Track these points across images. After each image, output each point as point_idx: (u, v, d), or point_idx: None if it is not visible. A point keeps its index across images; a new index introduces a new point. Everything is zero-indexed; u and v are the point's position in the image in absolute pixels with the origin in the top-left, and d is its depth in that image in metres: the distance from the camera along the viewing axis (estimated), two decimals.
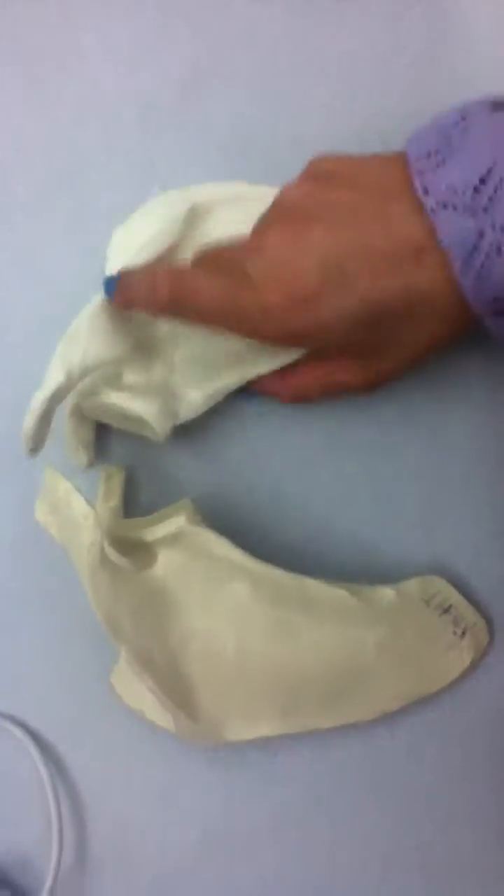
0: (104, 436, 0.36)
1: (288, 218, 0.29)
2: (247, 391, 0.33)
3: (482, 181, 0.25)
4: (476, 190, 0.25)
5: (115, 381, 0.32)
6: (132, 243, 0.31)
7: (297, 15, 0.35)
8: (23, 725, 0.38)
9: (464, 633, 0.33)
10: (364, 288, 0.27)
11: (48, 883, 0.36)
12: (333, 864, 0.36)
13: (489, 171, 0.25)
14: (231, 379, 0.32)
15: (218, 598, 0.32)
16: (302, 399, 0.33)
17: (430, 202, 0.26)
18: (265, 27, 0.35)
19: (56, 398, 0.30)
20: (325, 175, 0.29)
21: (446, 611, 0.33)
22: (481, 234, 0.25)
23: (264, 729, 0.33)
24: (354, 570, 0.34)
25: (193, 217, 0.31)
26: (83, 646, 0.37)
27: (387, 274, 0.26)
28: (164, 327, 0.32)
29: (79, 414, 0.33)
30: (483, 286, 0.26)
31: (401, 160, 0.27)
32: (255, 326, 0.29)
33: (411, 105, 0.32)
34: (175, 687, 0.32)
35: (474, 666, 0.33)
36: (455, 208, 0.25)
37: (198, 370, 0.33)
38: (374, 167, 0.28)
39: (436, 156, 0.26)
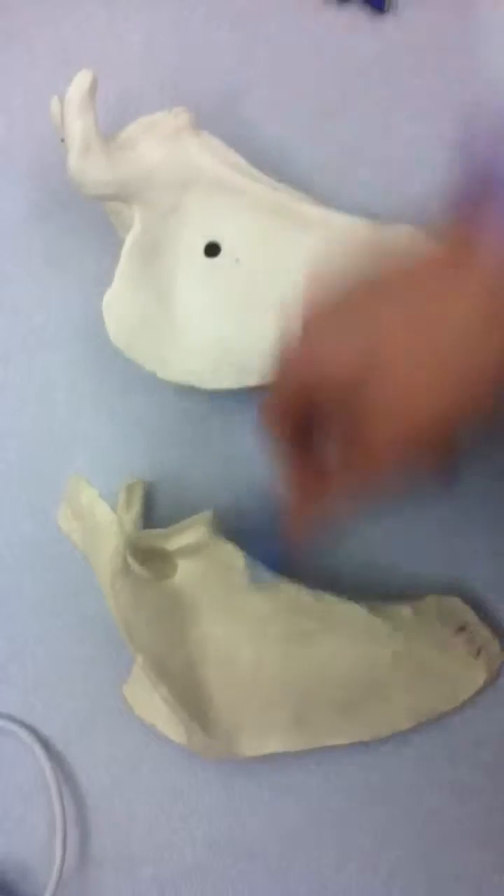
0: (129, 448, 0.36)
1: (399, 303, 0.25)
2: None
3: None
4: None
5: None
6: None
7: None
8: (31, 729, 0.37)
9: (479, 653, 0.33)
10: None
11: (50, 890, 0.36)
12: (338, 876, 0.36)
13: None
14: None
15: (236, 608, 0.33)
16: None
17: None
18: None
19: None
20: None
21: (461, 629, 0.33)
22: None
23: (277, 743, 0.33)
24: (372, 587, 0.35)
25: None
26: (94, 651, 0.37)
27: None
28: None
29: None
30: None
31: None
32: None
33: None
34: (189, 697, 0.32)
35: (488, 685, 0.34)
36: None
37: None
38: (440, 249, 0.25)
39: None
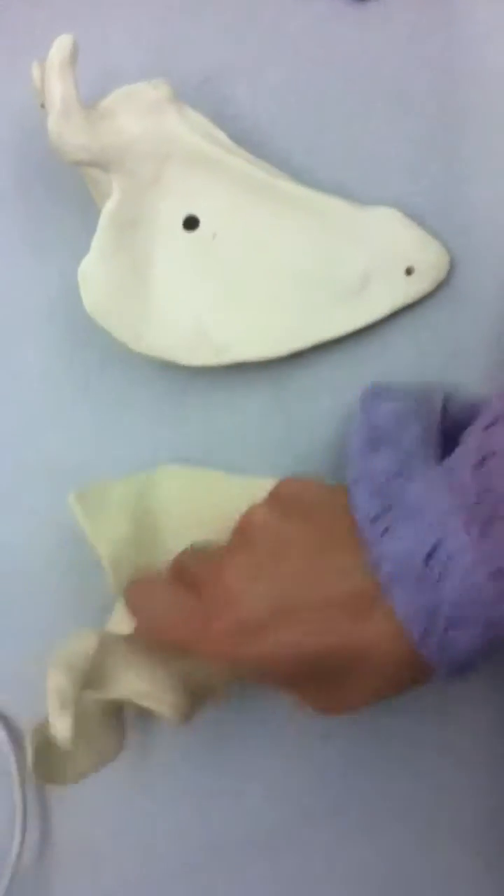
0: (105, 425, 0.36)
1: (248, 546, 0.29)
2: None
3: (430, 555, 0.25)
4: (426, 563, 0.25)
5: None
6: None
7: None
8: None
9: None
10: (308, 632, 0.26)
11: (4, 882, 0.34)
12: (303, 872, 0.35)
13: (436, 544, 0.25)
14: None
15: None
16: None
17: (383, 571, 0.26)
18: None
19: None
20: (287, 501, 0.30)
21: None
22: (436, 610, 0.25)
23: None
24: None
25: None
26: (60, 630, 0.36)
27: (334, 621, 0.26)
28: None
29: None
30: (443, 655, 0.25)
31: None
32: (198, 644, 0.28)
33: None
34: None
35: None
36: (405, 581, 0.25)
37: None
38: (337, 504, 0.28)
39: (380, 521, 0.26)
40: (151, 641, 0.30)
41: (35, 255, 0.36)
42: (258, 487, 0.33)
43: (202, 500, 0.34)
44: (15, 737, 0.36)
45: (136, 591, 0.31)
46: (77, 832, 0.36)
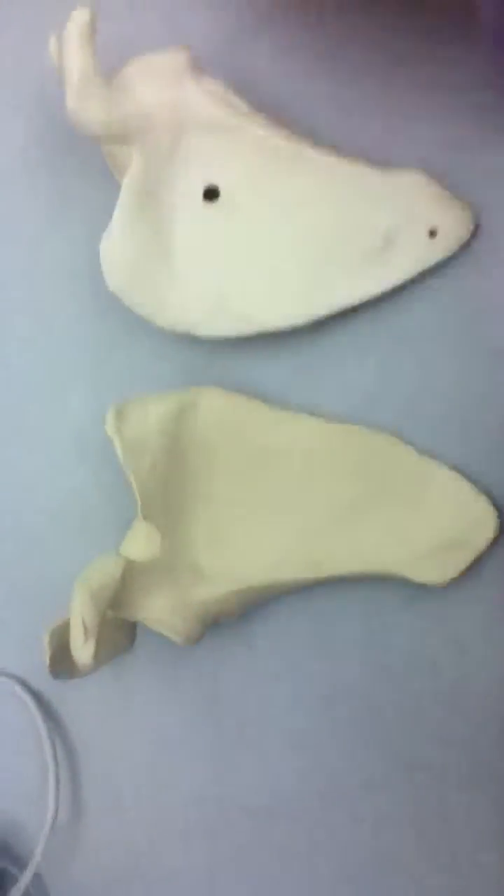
0: (126, 397, 0.36)
1: None
2: None
3: None
4: None
5: None
6: None
7: None
8: (23, 682, 0.37)
9: None
10: None
11: (42, 841, 0.35)
12: (331, 830, 0.35)
13: None
14: None
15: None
16: None
17: None
18: None
19: None
20: None
21: None
22: None
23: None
24: None
25: None
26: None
27: None
28: None
29: None
30: None
31: None
32: None
33: None
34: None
35: None
36: None
37: None
38: None
39: None
40: None
41: (57, 228, 0.37)
42: (298, 421, 0.33)
43: (242, 427, 0.33)
44: (42, 704, 0.37)
45: None
46: (108, 792, 0.37)
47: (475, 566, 0.33)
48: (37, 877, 0.37)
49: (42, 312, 0.37)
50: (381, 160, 0.34)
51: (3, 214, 0.37)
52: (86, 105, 0.31)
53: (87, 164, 0.37)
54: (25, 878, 0.35)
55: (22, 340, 0.37)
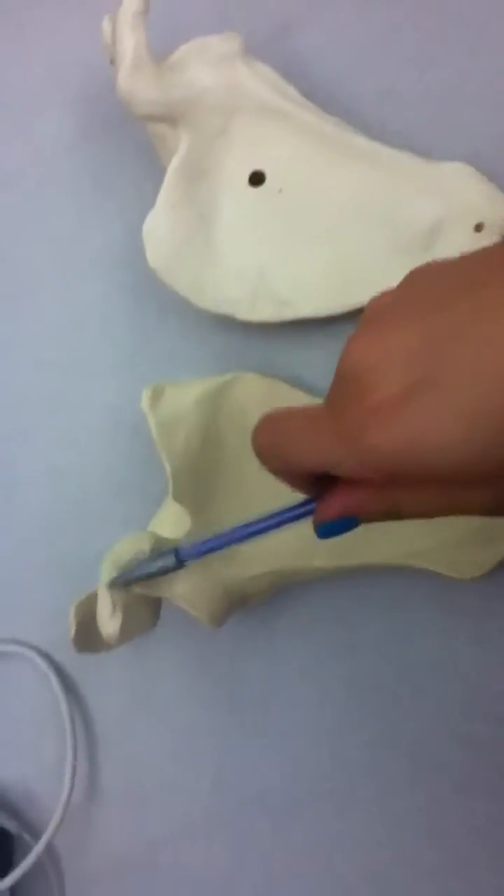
0: (162, 380, 0.36)
1: (370, 322, 0.22)
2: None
3: None
4: None
5: None
6: None
7: None
8: (47, 657, 0.38)
9: None
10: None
11: (56, 818, 0.36)
12: (345, 824, 0.35)
13: None
14: None
15: None
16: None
17: None
18: None
19: None
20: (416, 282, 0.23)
21: None
22: None
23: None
24: None
25: None
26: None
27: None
28: None
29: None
30: None
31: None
32: (332, 454, 0.22)
33: None
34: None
35: None
36: None
37: None
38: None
39: None
40: (287, 477, 0.24)
41: (100, 209, 0.37)
42: None
43: None
44: (65, 680, 0.37)
45: (266, 427, 0.24)
46: (124, 773, 0.37)
47: (502, 564, 0.32)
48: (51, 849, 0.38)
49: (81, 297, 0.37)
50: (428, 151, 0.33)
51: (43, 200, 0.38)
52: (138, 85, 0.31)
53: (126, 152, 0.37)
54: (39, 848, 0.35)
55: (60, 324, 0.38)
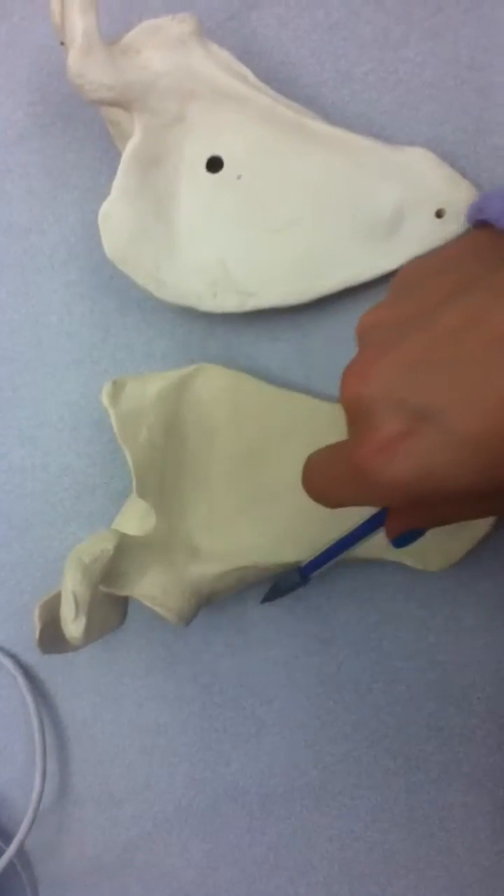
0: (124, 373, 0.35)
1: (366, 348, 0.23)
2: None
3: None
4: None
5: None
6: None
7: None
8: (13, 657, 0.37)
9: None
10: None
11: (27, 821, 0.35)
12: (321, 817, 0.35)
13: None
14: None
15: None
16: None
17: None
18: None
19: None
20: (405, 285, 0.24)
21: None
22: None
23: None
24: None
25: None
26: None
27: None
28: None
29: None
30: None
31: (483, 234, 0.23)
32: (354, 485, 0.23)
33: None
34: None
35: None
36: None
37: None
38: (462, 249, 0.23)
39: None
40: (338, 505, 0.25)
41: (54, 197, 0.36)
42: (299, 401, 0.32)
43: (241, 405, 0.33)
44: (32, 681, 0.37)
45: (308, 479, 0.25)
46: (95, 774, 0.37)
47: (474, 553, 0.32)
48: (23, 852, 0.37)
49: (38, 291, 0.36)
50: (388, 136, 0.33)
51: None
52: (89, 68, 0.30)
53: (83, 132, 0.36)
54: (10, 851, 0.34)
55: (18, 318, 0.36)
